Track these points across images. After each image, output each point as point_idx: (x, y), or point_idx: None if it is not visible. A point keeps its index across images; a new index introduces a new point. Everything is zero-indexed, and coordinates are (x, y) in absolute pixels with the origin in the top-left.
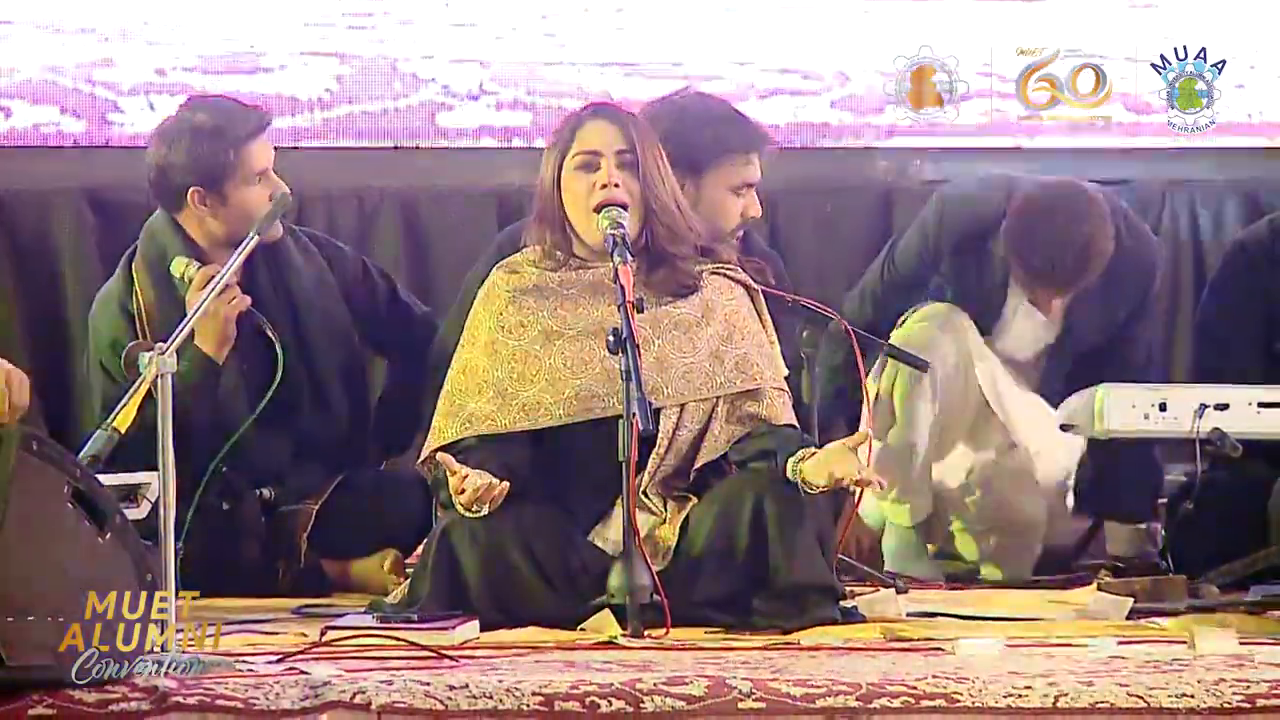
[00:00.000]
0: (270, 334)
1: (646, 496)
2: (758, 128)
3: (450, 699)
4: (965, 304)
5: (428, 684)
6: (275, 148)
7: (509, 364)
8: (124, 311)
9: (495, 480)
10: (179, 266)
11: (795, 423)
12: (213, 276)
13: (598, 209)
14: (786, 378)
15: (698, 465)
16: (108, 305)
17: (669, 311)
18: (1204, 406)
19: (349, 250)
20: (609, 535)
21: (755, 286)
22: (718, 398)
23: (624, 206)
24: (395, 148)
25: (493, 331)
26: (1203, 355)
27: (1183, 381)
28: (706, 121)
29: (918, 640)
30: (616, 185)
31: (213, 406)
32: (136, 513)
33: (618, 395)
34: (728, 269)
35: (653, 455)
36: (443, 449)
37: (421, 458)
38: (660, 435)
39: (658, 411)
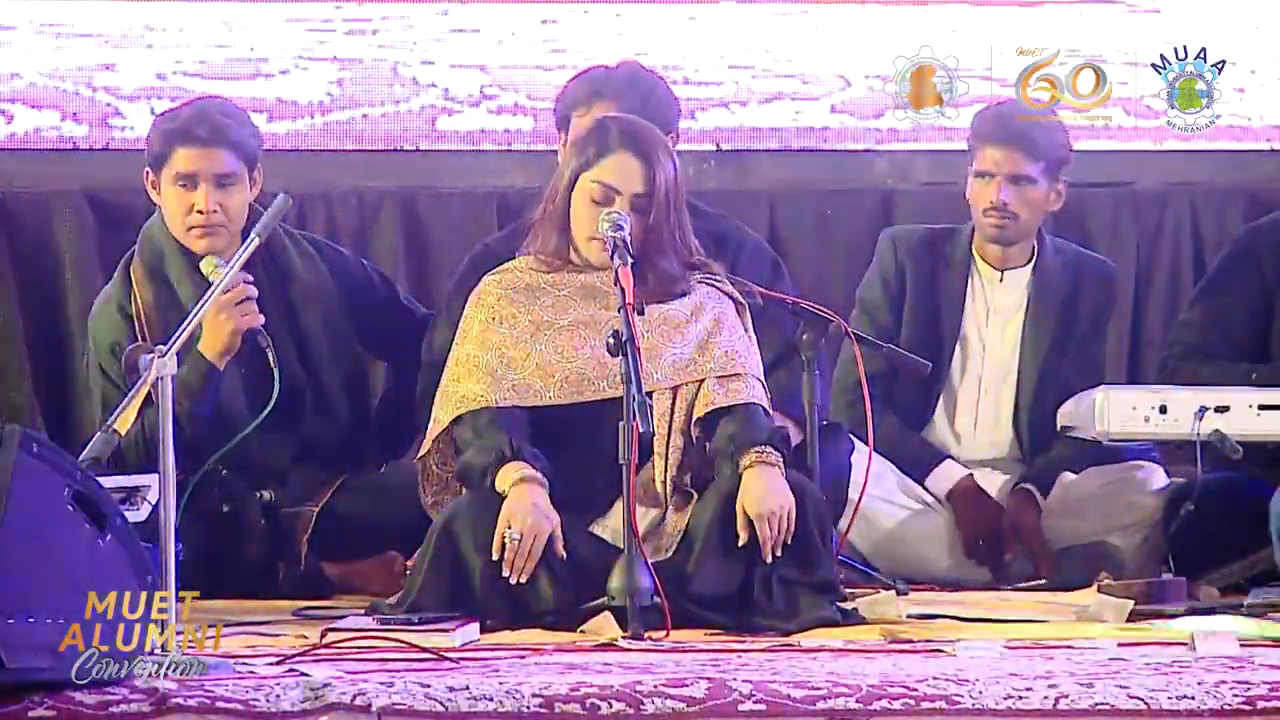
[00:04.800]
0: (270, 360)
1: (665, 485)
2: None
3: (450, 701)
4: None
5: (428, 686)
6: (277, 150)
7: (500, 350)
8: (123, 314)
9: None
10: (207, 266)
11: (767, 407)
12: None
13: (593, 239)
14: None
15: (695, 417)
16: (106, 308)
17: (660, 308)
18: (1204, 409)
19: (349, 253)
20: (610, 525)
21: (743, 301)
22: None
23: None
24: (397, 149)
25: (484, 324)
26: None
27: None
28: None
29: (918, 642)
30: (621, 227)
31: (213, 410)
32: (136, 515)
33: (609, 379)
34: (715, 279)
35: (657, 440)
36: (442, 435)
37: (422, 451)
38: (660, 416)
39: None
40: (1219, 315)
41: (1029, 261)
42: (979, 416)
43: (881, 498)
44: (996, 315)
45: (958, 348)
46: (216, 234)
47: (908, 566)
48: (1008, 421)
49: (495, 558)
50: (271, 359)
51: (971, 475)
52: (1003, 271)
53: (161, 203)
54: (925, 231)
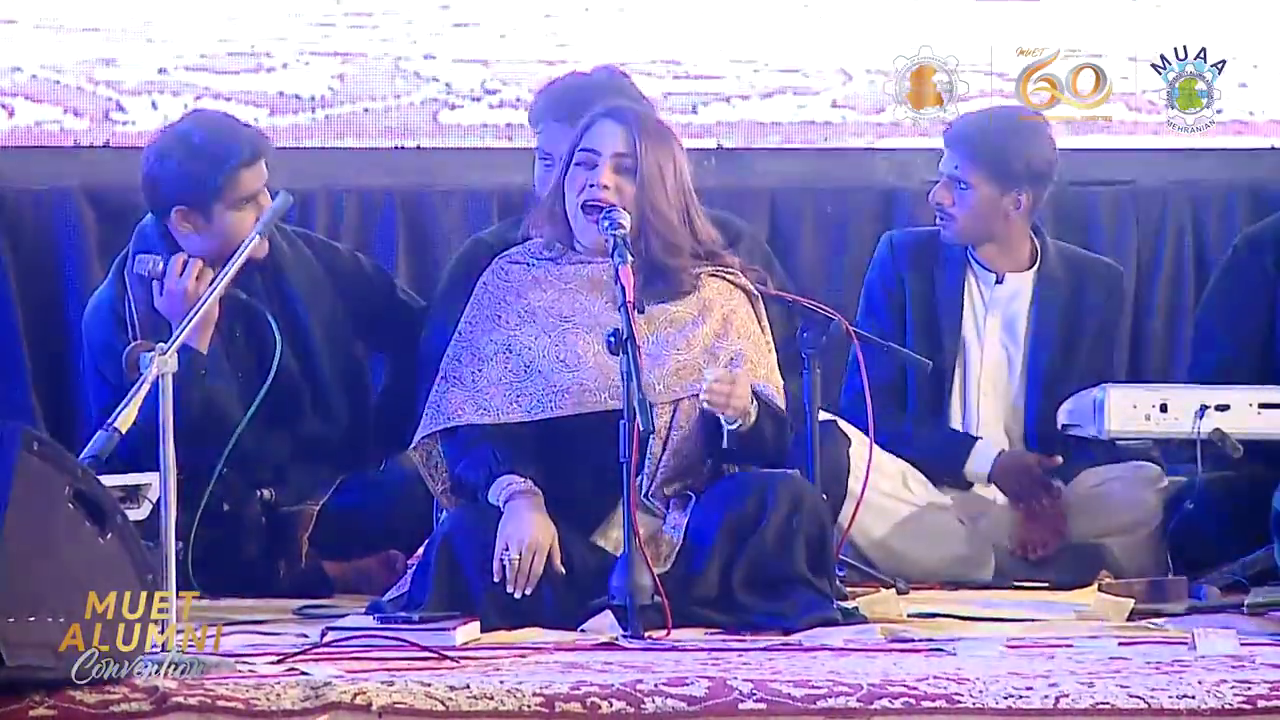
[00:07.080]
0: (271, 325)
1: (650, 500)
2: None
3: (451, 700)
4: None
5: (429, 685)
6: (278, 145)
7: (506, 355)
8: (114, 315)
9: (538, 556)
10: (141, 266)
11: (770, 396)
12: (185, 263)
13: (583, 207)
14: (786, 388)
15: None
16: (100, 310)
17: (665, 308)
18: (1204, 407)
19: (343, 248)
20: (612, 535)
21: (756, 292)
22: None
23: (612, 207)
24: (398, 148)
25: (491, 321)
26: (1198, 349)
27: (1182, 381)
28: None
29: (919, 641)
30: (606, 187)
31: (201, 398)
32: (137, 513)
33: (612, 390)
34: (728, 273)
35: (648, 458)
36: (441, 433)
37: (415, 441)
38: (657, 431)
39: (653, 407)
40: (1236, 333)
41: (1030, 265)
42: (979, 419)
43: (887, 493)
44: (993, 317)
45: (960, 349)
46: None
47: (907, 563)
48: (1006, 425)
49: (497, 580)
50: (273, 326)
51: (1013, 450)
52: (1000, 274)
53: (205, 231)
54: (925, 234)
